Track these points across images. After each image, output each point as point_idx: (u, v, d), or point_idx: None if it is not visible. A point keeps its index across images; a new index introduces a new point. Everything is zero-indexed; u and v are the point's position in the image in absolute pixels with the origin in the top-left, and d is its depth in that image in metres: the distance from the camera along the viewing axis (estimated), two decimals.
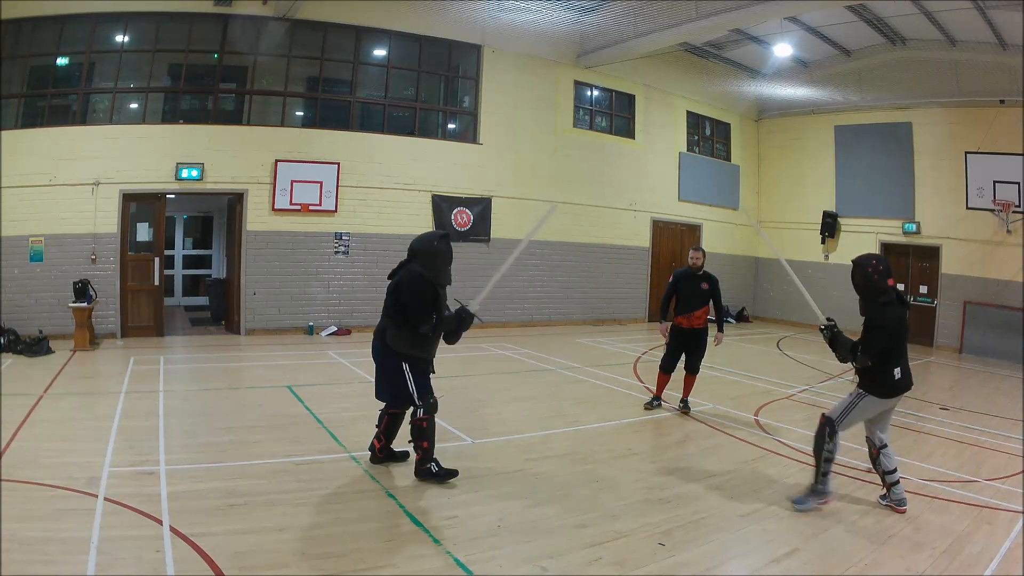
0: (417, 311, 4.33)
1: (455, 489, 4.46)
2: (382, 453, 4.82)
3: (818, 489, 4.31)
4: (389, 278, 4.57)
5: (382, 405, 4.77)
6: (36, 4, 9.62)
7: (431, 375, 4.62)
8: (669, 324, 6.84)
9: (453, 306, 4.64)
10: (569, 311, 13.86)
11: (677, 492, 4.60)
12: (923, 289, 13.82)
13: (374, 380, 4.65)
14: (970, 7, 10.31)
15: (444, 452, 5.24)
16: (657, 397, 6.99)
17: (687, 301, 6.69)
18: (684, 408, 6.88)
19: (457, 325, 4.53)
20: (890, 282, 4.21)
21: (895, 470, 4.38)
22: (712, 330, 6.89)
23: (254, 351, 9.69)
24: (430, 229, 12.04)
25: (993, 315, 12.49)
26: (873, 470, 4.54)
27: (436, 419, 4.59)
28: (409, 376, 4.45)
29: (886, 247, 14.21)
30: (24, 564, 3.12)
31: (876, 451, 4.42)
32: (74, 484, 4.15)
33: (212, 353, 9.54)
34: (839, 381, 8.97)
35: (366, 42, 11.79)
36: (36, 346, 8.56)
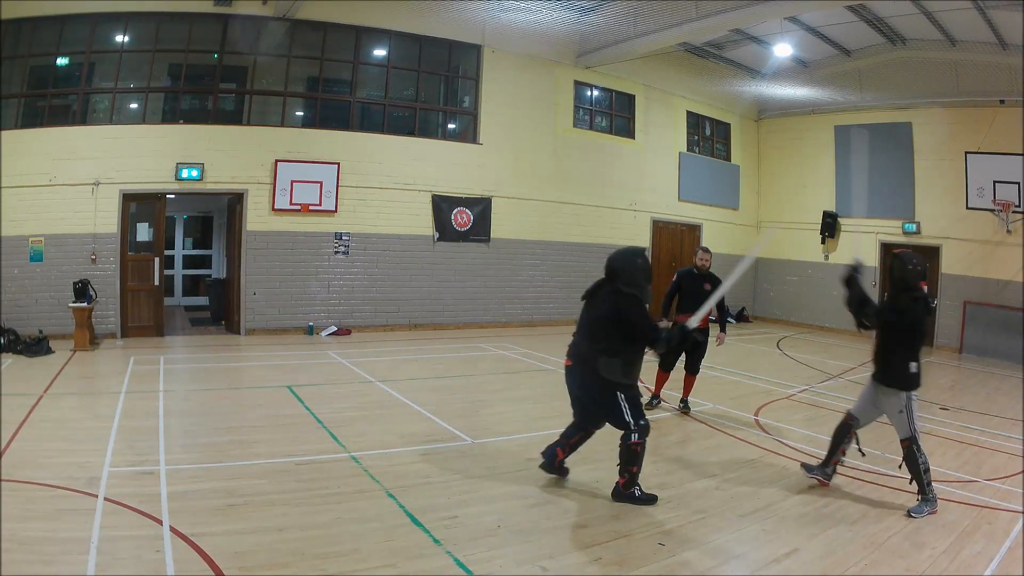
0: (650, 333, 4.22)
1: (455, 489, 4.46)
2: (559, 465, 4.70)
3: (929, 498, 4.38)
4: (584, 298, 4.49)
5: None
6: (36, 4, 9.62)
7: (640, 397, 4.48)
8: (669, 323, 6.81)
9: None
10: (569, 311, 13.83)
11: (677, 492, 4.60)
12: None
13: (573, 406, 4.55)
14: (970, 7, 10.30)
15: (444, 452, 5.25)
16: (656, 396, 6.97)
17: (689, 301, 6.62)
18: (684, 408, 6.87)
19: (680, 340, 4.44)
20: (923, 284, 4.44)
21: (845, 453, 4.69)
22: (708, 332, 6.89)
23: (254, 351, 9.69)
24: (429, 229, 12.08)
25: (993, 315, 12.48)
26: (841, 449, 4.70)
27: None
28: (624, 403, 4.30)
29: (886, 247, 14.21)
30: (24, 564, 3.12)
31: (853, 430, 4.66)
32: (74, 484, 4.15)
33: (212, 353, 9.54)
34: (839, 381, 8.97)
35: (366, 42, 11.79)
36: (36, 346, 8.56)
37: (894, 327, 4.42)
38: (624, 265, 4.35)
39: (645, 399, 7.00)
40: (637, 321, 4.21)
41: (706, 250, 6.91)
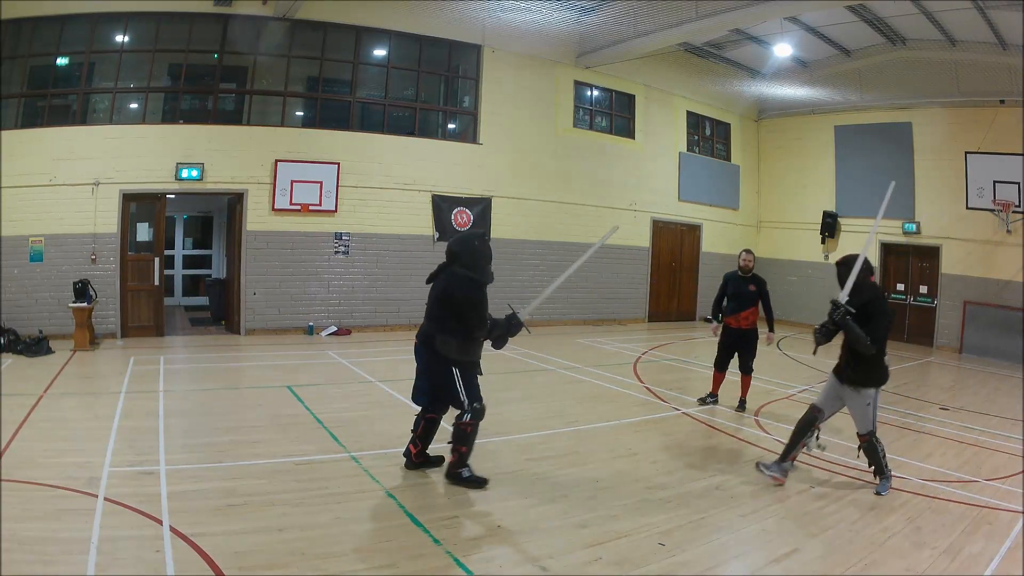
0: (472, 316, 4.32)
1: (455, 489, 4.46)
2: (418, 459, 4.74)
3: (887, 475, 4.67)
4: (428, 282, 4.57)
5: (417, 409, 4.71)
6: (36, 4, 9.62)
7: (479, 376, 4.58)
8: (720, 325, 7.06)
9: (503, 311, 4.61)
10: (569, 311, 13.85)
11: (677, 492, 4.60)
12: (923, 289, 13.82)
13: (414, 383, 4.62)
14: (970, 7, 10.31)
15: (444, 452, 5.25)
16: (713, 394, 7.16)
17: (734, 302, 6.89)
18: (740, 408, 6.99)
19: (505, 331, 4.49)
20: (871, 278, 4.61)
21: (802, 448, 4.69)
22: (756, 332, 7.02)
23: (254, 351, 9.69)
24: (429, 229, 12.07)
25: (993, 315, 12.48)
26: (806, 440, 4.74)
27: (439, 419, 4.58)
28: (459, 380, 4.41)
29: (886, 247, 14.22)
30: (24, 564, 3.12)
31: (817, 423, 4.71)
32: (74, 484, 4.15)
33: (212, 353, 9.54)
34: None
35: (366, 42, 11.79)
36: (36, 346, 8.56)
37: (880, 323, 4.48)
38: (461, 248, 4.49)
39: (702, 396, 7.20)
40: (463, 306, 4.32)
41: (749, 252, 7.09)
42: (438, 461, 4.79)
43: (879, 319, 4.44)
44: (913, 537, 3.95)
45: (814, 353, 4.95)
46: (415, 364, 4.62)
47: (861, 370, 4.54)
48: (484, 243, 4.58)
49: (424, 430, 4.72)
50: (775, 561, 3.62)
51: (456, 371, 4.42)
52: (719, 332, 7.07)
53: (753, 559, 3.69)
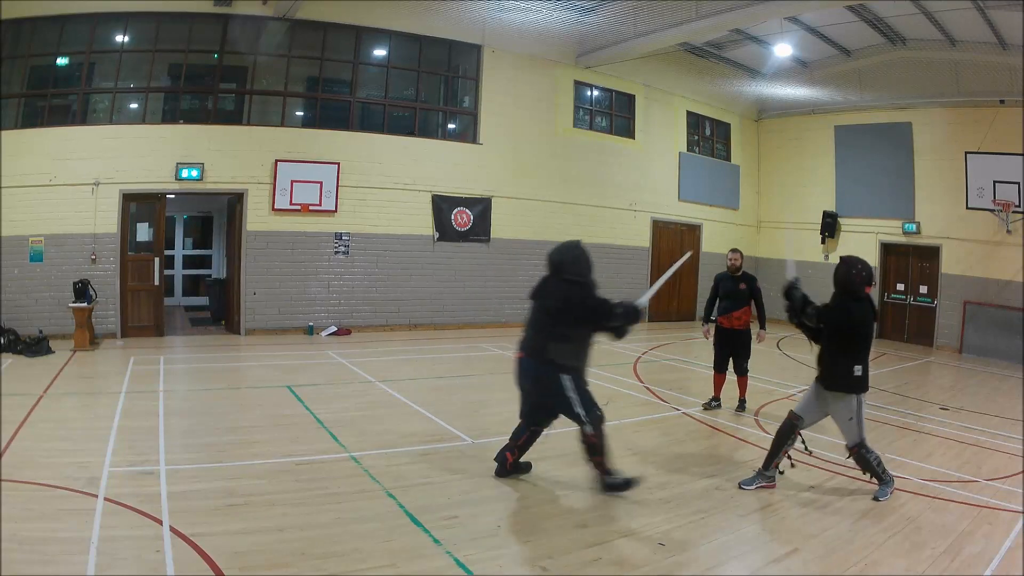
0: (603, 305, 4.30)
1: (455, 489, 4.46)
2: (512, 467, 4.73)
3: (886, 480, 4.59)
4: (532, 298, 4.55)
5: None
6: (36, 4, 9.62)
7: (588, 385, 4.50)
8: (711, 326, 7.04)
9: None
10: None
11: (677, 492, 4.60)
12: (923, 289, 13.82)
13: (521, 404, 4.59)
14: (970, 7, 10.30)
15: (444, 452, 5.25)
16: (716, 398, 7.08)
17: (726, 302, 6.84)
18: (740, 408, 6.94)
19: (628, 320, 4.46)
20: (867, 289, 4.50)
21: (788, 454, 4.73)
22: (749, 332, 6.99)
23: (254, 351, 9.69)
24: (429, 229, 12.08)
25: (993, 315, 12.48)
26: (786, 445, 4.67)
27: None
28: (572, 391, 4.33)
29: (886, 247, 14.21)
30: (24, 564, 3.12)
31: (797, 430, 4.63)
32: (74, 484, 4.15)
33: (212, 353, 9.54)
34: None
35: (366, 42, 11.79)
36: (36, 346, 8.56)
37: (839, 329, 4.44)
38: (564, 257, 4.49)
39: (706, 401, 7.11)
40: (590, 302, 4.33)
41: (736, 251, 7.04)
42: (527, 467, 4.82)
43: (835, 314, 4.42)
44: (913, 537, 3.95)
45: (811, 349, 4.87)
46: (517, 385, 4.55)
47: (832, 372, 4.48)
48: (583, 249, 4.56)
49: (526, 441, 4.69)
50: (775, 561, 3.62)
51: (568, 380, 4.33)
52: (711, 334, 7.04)
53: (753, 559, 3.69)
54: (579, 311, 4.31)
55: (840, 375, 4.45)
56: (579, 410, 4.30)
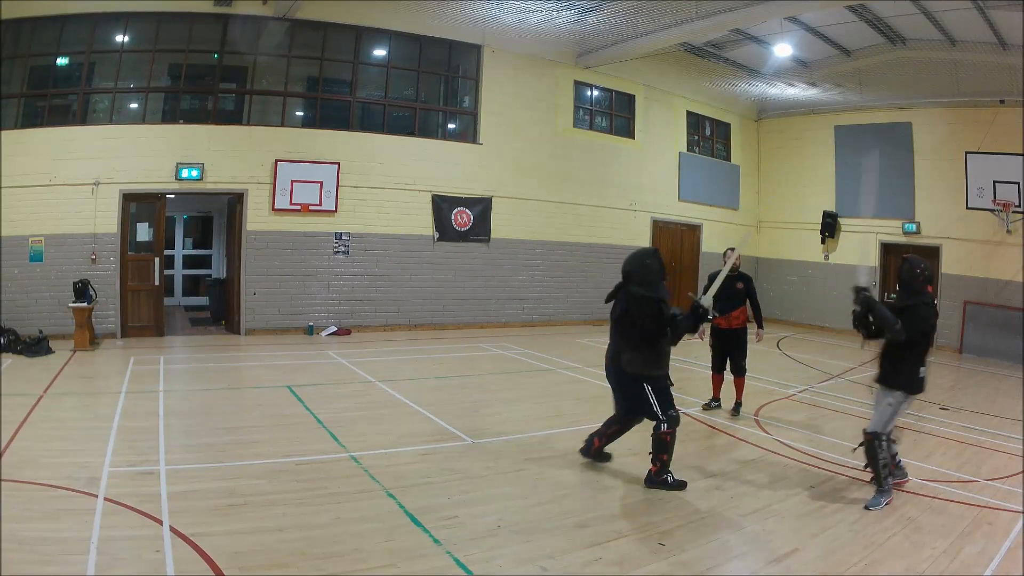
0: (655, 331, 4.46)
1: (455, 489, 4.46)
2: (595, 453, 5.03)
3: (885, 490, 4.47)
4: (607, 301, 4.81)
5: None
6: (36, 4, 9.62)
7: (671, 387, 4.73)
8: (707, 327, 6.91)
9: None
10: (569, 311, 13.86)
11: (677, 492, 4.60)
12: None
13: (614, 400, 4.92)
14: (970, 7, 10.30)
15: (444, 452, 5.25)
16: (715, 398, 7.07)
17: (723, 302, 6.69)
18: (735, 411, 6.87)
19: (694, 322, 4.60)
20: (928, 288, 4.53)
21: (895, 458, 4.60)
22: (745, 332, 6.96)
23: (254, 351, 9.69)
24: (429, 229, 12.08)
25: (993, 315, 12.48)
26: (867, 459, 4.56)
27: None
28: (651, 394, 4.59)
29: (886, 247, 14.21)
30: (24, 564, 3.12)
31: (882, 441, 4.49)
32: (74, 484, 4.15)
33: (212, 353, 9.54)
34: (839, 381, 8.96)
35: (366, 42, 11.79)
36: (36, 346, 8.56)
37: (921, 332, 4.41)
38: (634, 267, 4.66)
39: (705, 402, 7.09)
40: (644, 322, 4.48)
41: (732, 250, 6.95)
42: (607, 457, 5.08)
43: (915, 320, 4.34)
44: (913, 537, 3.95)
45: (862, 347, 4.93)
46: (609, 384, 4.91)
47: (890, 369, 4.46)
48: (656, 260, 4.69)
49: (615, 432, 4.99)
50: (775, 561, 3.62)
51: (648, 387, 4.59)
52: (707, 335, 6.92)
53: (753, 559, 3.69)
54: (637, 325, 4.51)
55: (906, 374, 4.43)
56: (656, 410, 4.59)
